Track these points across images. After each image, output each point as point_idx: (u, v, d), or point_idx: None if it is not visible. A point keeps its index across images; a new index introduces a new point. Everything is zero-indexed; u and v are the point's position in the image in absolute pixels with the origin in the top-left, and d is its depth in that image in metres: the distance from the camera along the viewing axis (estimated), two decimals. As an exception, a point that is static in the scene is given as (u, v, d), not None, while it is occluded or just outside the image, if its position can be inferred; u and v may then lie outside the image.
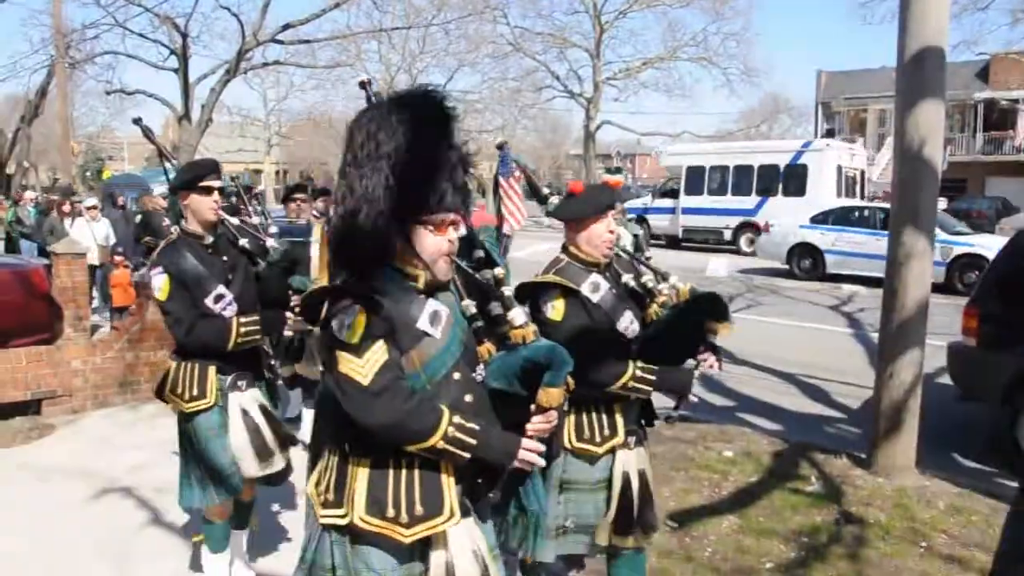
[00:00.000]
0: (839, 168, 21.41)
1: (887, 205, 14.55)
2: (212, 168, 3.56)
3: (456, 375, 2.09)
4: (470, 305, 2.22)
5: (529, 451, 2.09)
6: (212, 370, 3.57)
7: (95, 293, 11.79)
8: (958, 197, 30.77)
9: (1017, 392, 5.92)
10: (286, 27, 19.29)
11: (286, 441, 3.81)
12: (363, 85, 2.39)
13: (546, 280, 3.01)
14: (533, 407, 2.14)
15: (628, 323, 3.04)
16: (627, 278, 3.17)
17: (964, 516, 4.83)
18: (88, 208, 12.28)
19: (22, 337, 6.96)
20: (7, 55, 73.55)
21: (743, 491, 5.19)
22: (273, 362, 3.98)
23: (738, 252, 22.01)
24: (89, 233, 11.68)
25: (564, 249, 3.15)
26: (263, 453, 3.64)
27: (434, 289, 2.13)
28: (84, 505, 5.05)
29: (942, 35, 5.36)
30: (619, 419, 3.06)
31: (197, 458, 3.63)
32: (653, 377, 2.97)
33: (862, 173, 22.82)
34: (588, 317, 2.98)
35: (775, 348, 9.69)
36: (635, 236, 7.37)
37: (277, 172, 57.05)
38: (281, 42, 19.96)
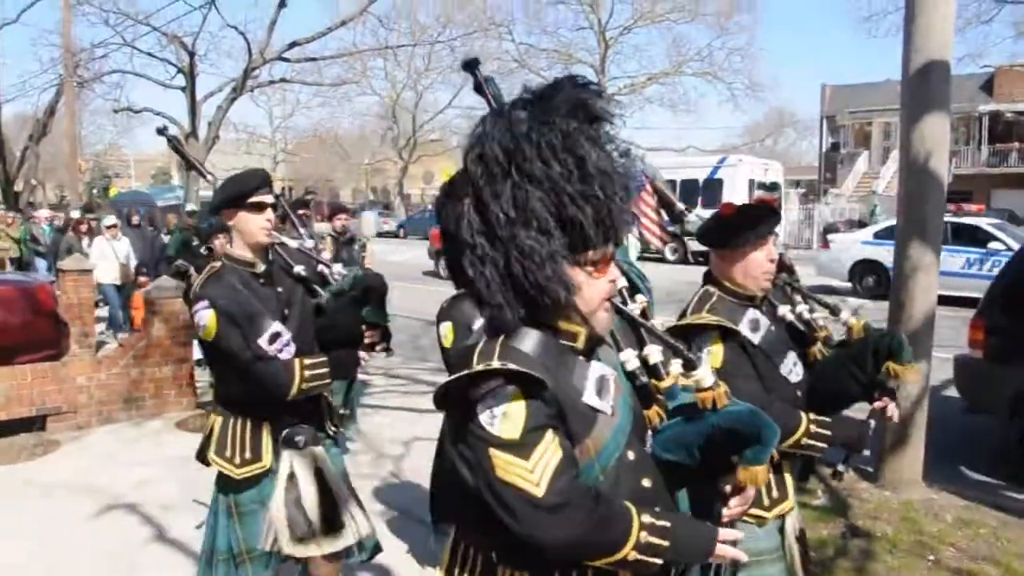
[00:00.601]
0: (751, 181, 23.32)
1: (955, 219, 14.61)
2: (263, 180, 2.95)
3: (630, 455, 1.63)
4: (631, 357, 1.76)
5: (728, 543, 1.61)
6: (267, 426, 2.95)
7: (106, 313, 11.71)
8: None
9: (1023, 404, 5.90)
10: (292, 45, 19.42)
11: (343, 520, 3.05)
12: (476, 79, 1.79)
13: (701, 321, 2.54)
14: (727, 487, 1.73)
15: (791, 366, 2.66)
16: (783, 311, 2.74)
17: (972, 529, 4.79)
18: (108, 227, 11.86)
19: (28, 354, 6.98)
20: (17, 74, 74.43)
21: (750, 505, 5.15)
22: (343, 411, 3.44)
23: (663, 260, 22.92)
24: (110, 252, 11.43)
25: (711, 280, 2.70)
26: (302, 533, 2.96)
27: (593, 346, 1.65)
28: (89, 521, 5.04)
29: (947, 48, 5.37)
30: (788, 478, 2.69)
31: (228, 534, 3.00)
32: (829, 432, 2.52)
33: (775, 185, 24.27)
34: (750, 362, 2.55)
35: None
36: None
37: (283, 189, 57.26)
38: (287, 60, 20.10)
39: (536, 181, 1.47)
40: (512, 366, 1.46)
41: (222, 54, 55.10)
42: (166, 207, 19.64)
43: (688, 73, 38.24)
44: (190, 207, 15.57)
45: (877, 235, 16.79)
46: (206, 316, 2.78)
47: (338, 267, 3.18)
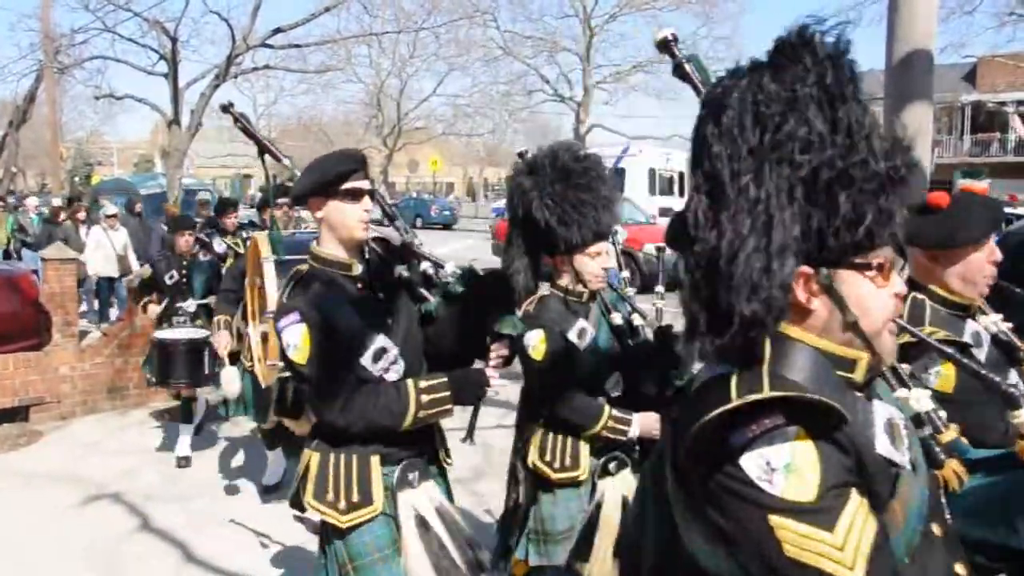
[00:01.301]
0: (652, 171, 24.70)
1: (1012, 211, 14.45)
2: (359, 162, 2.42)
3: (935, 528, 1.24)
4: (922, 396, 1.45)
5: None
6: (376, 462, 2.40)
7: (95, 304, 11.36)
8: (946, 199, 30.90)
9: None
10: (276, 31, 19.25)
11: (481, 559, 2.58)
12: (676, 59, 1.51)
13: (936, 336, 1.99)
14: None
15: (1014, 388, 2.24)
16: (988, 321, 2.30)
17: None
18: (107, 216, 11.41)
19: (10, 343, 6.92)
20: (-5, 60, 73.26)
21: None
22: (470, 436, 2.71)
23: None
24: (107, 242, 11.07)
25: (917, 287, 2.27)
26: None
27: (871, 380, 1.24)
28: (72, 511, 5.02)
29: (929, 38, 5.39)
30: None
31: None
32: None
33: (680, 175, 25.28)
34: (979, 388, 1.99)
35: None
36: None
37: (267, 177, 56.89)
38: (271, 46, 19.92)
39: (800, 156, 1.10)
40: (799, 394, 1.05)
41: (204, 40, 54.34)
42: (149, 195, 19.43)
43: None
44: (203, 195, 15.31)
45: None
46: (297, 333, 2.26)
47: (451, 265, 2.56)
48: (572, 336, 2.83)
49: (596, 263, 2.85)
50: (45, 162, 30.36)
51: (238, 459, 5.96)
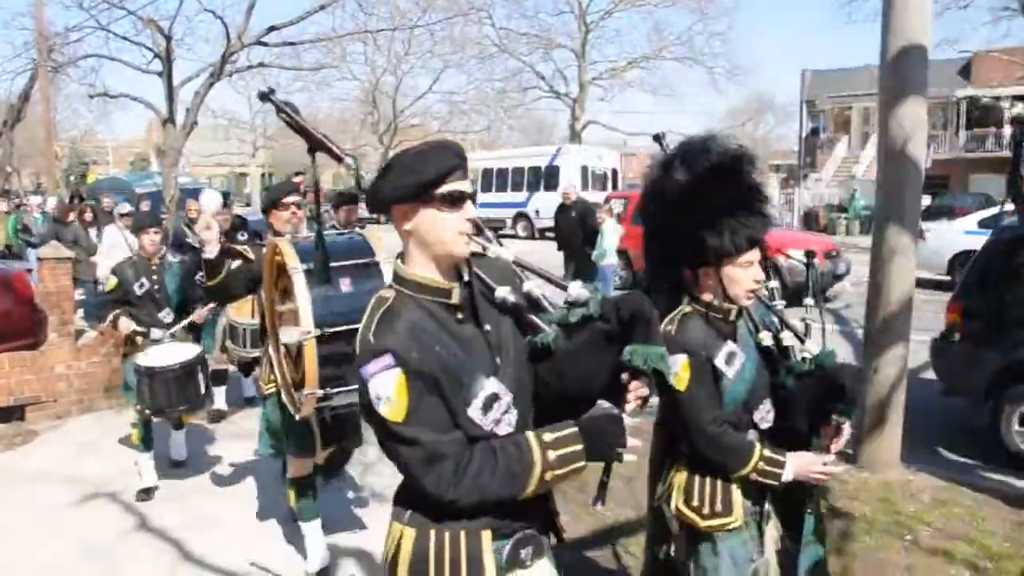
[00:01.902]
0: (584, 168, 26.77)
1: None
2: (460, 158, 1.91)
3: None
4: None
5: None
6: (487, 538, 1.92)
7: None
8: (941, 194, 30.98)
9: (1000, 387, 5.97)
10: (271, 29, 19.22)
11: None
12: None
13: None
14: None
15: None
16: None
17: (947, 509, 4.86)
18: (122, 215, 10.90)
19: (5, 342, 6.91)
20: (-11, 59, 73.02)
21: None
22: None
23: (516, 236, 27.03)
24: (122, 241, 10.28)
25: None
26: None
27: None
28: (69, 510, 5.01)
29: (924, 33, 5.40)
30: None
31: None
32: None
33: (614, 171, 28.04)
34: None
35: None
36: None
37: (263, 175, 56.86)
38: (266, 44, 19.88)
39: None
40: None
41: (199, 38, 54.58)
42: (145, 193, 19.39)
43: (668, 57, 38.20)
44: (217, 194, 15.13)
45: (982, 223, 14.93)
46: (391, 383, 1.76)
47: (576, 286, 1.96)
48: (719, 362, 2.46)
49: (749, 274, 2.46)
50: (40, 161, 30.25)
51: (234, 458, 5.95)
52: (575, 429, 1.86)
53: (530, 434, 1.86)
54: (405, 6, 25.05)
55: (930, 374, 7.05)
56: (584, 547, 4.40)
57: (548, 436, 1.84)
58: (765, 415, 2.55)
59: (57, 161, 28.88)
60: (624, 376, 1.88)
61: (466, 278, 1.95)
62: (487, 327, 1.94)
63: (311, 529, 4.17)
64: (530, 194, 27.74)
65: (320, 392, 3.33)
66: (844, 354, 9.42)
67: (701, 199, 2.40)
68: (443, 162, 1.85)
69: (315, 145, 2.67)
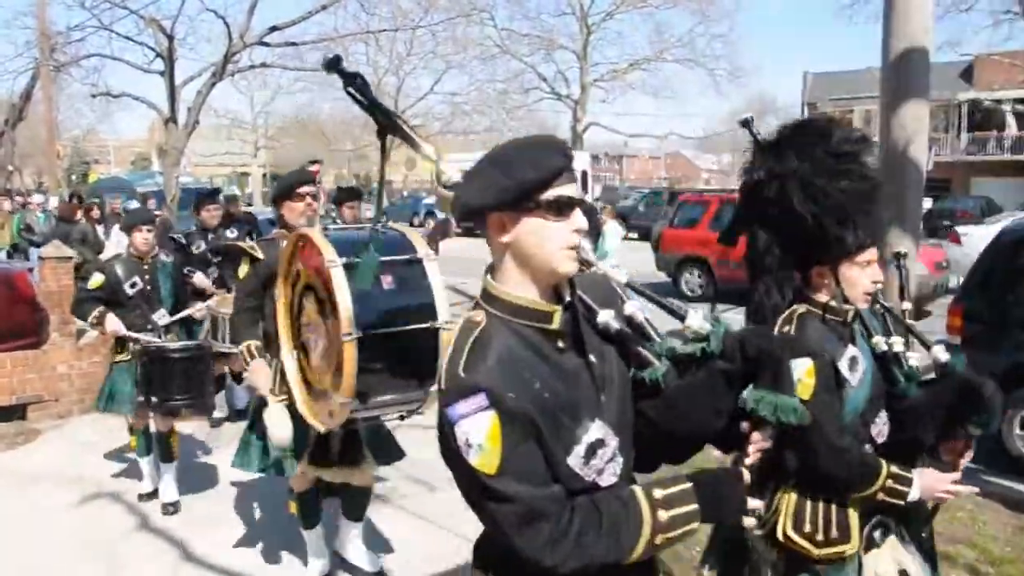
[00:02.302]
0: None
1: None
2: (566, 157, 1.58)
3: None
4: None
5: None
6: None
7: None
8: (943, 197, 30.98)
9: (1001, 390, 5.97)
10: (273, 29, 19.23)
11: None
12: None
13: None
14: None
15: None
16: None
17: (949, 513, 4.85)
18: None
19: (7, 342, 6.92)
20: (-9, 58, 73.03)
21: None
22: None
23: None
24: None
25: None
26: None
27: None
28: (70, 510, 5.02)
29: (926, 35, 5.39)
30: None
31: None
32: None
33: (584, 173, 27.65)
34: None
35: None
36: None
37: (264, 175, 56.89)
38: (268, 44, 19.89)
39: None
40: None
41: (201, 38, 54.59)
42: (149, 192, 19.42)
43: (670, 59, 38.18)
44: (231, 191, 14.86)
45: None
46: (484, 427, 1.45)
47: (696, 314, 1.67)
48: (843, 367, 2.24)
49: (867, 275, 2.31)
50: (41, 160, 30.28)
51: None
52: (689, 486, 1.59)
53: (638, 490, 1.58)
54: (407, 6, 25.06)
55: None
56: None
57: (659, 493, 1.57)
58: (882, 428, 2.35)
59: (58, 160, 28.91)
60: (744, 425, 1.64)
61: (566, 299, 1.64)
62: (592, 358, 1.64)
63: (312, 537, 4.09)
64: None
65: (356, 403, 2.97)
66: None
67: (822, 190, 2.18)
68: (549, 162, 1.55)
69: (388, 127, 2.20)
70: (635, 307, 1.74)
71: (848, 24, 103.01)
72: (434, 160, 2.03)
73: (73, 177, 46.16)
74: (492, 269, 1.64)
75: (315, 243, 3.06)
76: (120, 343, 5.11)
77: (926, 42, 5.39)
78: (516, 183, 1.53)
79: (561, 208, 1.55)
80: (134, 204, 11.69)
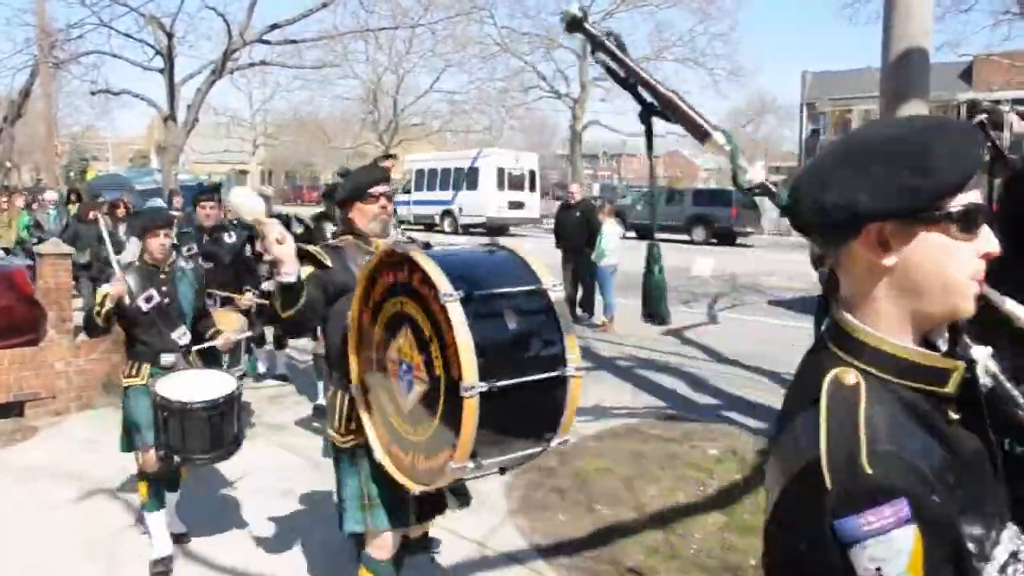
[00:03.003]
0: (500, 170, 29.22)
1: None
2: (981, 147, 1.13)
3: None
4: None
5: None
6: None
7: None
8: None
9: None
10: (273, 27, 19.25)
11: None
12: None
13: None
14: None
15: None
16: None
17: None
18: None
19: (4, 339, 6.91)
20: (-10, 55, 72.88)
21: (729, 489, 5.20)
22: None
23: (442, 232, 28.74)
24: None
25: None
26: None
27: None
28: (68, 507, 5.01)
29: (926, 36, 5.41)
30: None
31: None
32: None
33: (532, 172, 30.24)
34: None
35: (760, 347, 9.72)
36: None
37: (263, 173, 56.87)
38: (267, 42, 19.91)
39: None
40: None
41: (201, 36, 54.19)
42: (144, 190, 19.40)
43: (670, 59, 38.20)
44: (266, 189, 14.52)
45: None
46: (905, 548, 0.99)
47: None
48: None
49: None
50: (40, 157, 30.25)
51: (238, 455, 5.95)
52: None
53: None
54: (407, 4, 25.09)
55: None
56: (584, 547, 4.40)
57: None
58: None
59: (57, 157, 28.90)
60: None
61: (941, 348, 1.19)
62: (990, 432, 1.16)
63: (155, 520, 4.23)
64: (455, 193, 29.97)
65: (471, 465, 2.49)
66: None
67: None
68: (973, 156, 1.10)
69: (660, 104, 1.59)
70: (980, 352, 1.21)
71: (848, 24, 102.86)
72: (731, 147, 1.44)
73: (71, 174, 46.11)
74: (851, 306, 1.18)
75: (422, 268, 2.50)
76: (136, 364, 4.38)
77: (926, 42, 5.41)
78: (918, 184, 1.08)
79: (970, 222, 1.11)
80: (157, 202, 10.96)
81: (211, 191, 7.10)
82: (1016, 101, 33.08)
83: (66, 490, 5.24)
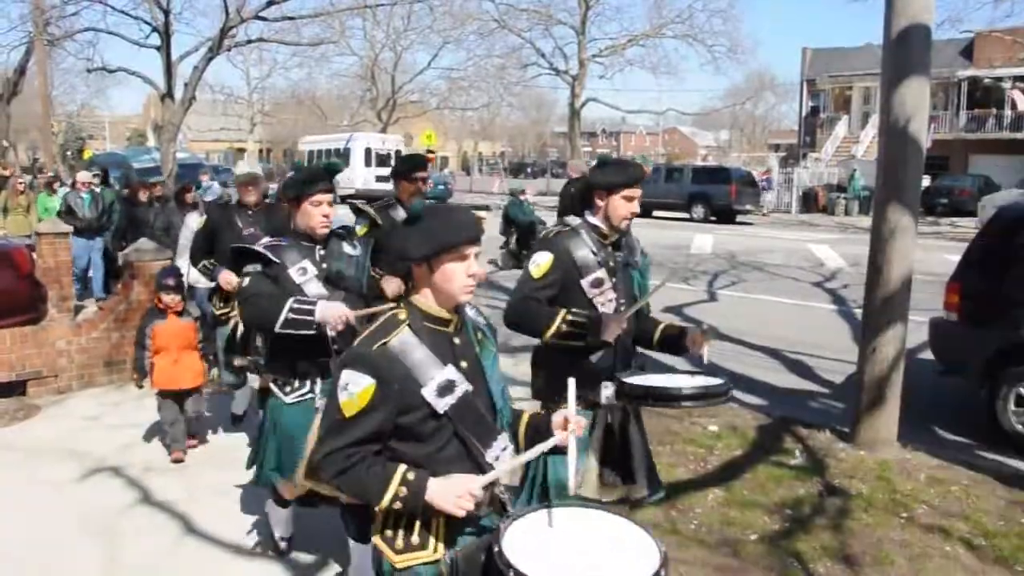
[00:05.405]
0: (368, 150, 32.37)
1: None
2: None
3: None
4: None
5: None
6: None
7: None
8: (941, 175, 30.93)
9: (997, 367, 6.01)
10: (270, 3, 19.09)
11: None
12: None
13: None
14: None
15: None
16: None
17: (944, 487, 4.90)
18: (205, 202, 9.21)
19: (6, 318, 6.92)
20: (-16, 32, 72.31)
21: (728, 465, 5.24)
22: None
23: None
24: None
25: None
26: None
27: None
28: (71, 485, 5.04)
29: (928, 12, 5.38)
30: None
31: None
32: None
33: (398, 152, 31.12)
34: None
35: (759, 324, 9.75)
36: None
37: (260, 151, 56.64)
38: (265, 19, 19.77)
39: None
40: None
41: (197, 13, 54.04)
42: (143, 169, 19.33)
43: (669, 35, 37.93)
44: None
45: None
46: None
47: None
48: None
49: None
50: (36, 136, 30.14)
51: (237, 431, 5.98)
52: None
53: None
54: (405, -19, 24.87)
55: (927, 354, 7.09)
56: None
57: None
58: None
59: (53, 136, 28.77)
60: None
61: None
62: None
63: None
64: None
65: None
66: (842, 334, 9.48)
67: None
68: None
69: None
70: None
71: (848, 0, 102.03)
72: None
73: (68, 153, 45.93)
74: None
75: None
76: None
77: (928, 19, 5.38)
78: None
79: None
80: (216, 188, 10.11)
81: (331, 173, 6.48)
82: (1018, 78, 32.97)
83: (69, 468, 5.27)
